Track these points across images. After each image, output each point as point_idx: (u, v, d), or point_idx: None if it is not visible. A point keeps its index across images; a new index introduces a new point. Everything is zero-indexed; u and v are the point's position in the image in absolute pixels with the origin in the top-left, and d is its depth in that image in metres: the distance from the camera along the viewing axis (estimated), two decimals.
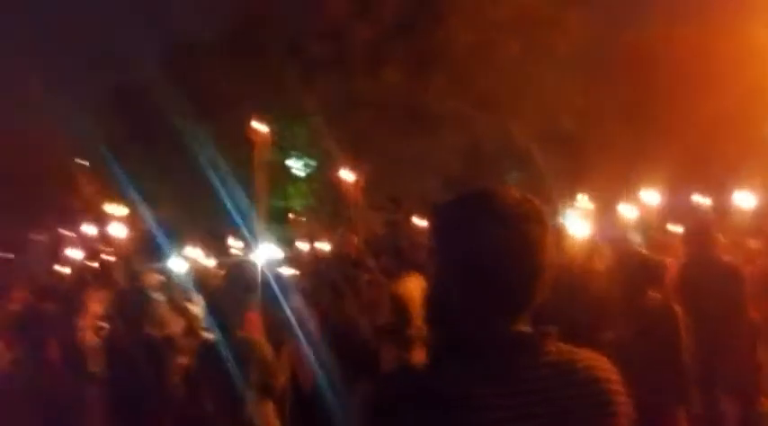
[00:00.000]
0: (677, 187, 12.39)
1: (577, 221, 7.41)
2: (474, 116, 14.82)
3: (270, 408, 3.99)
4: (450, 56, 15.03)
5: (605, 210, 11.08)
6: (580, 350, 1.38)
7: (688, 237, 5.63)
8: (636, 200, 11.25)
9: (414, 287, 3.27)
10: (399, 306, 3.33)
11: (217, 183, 14.44)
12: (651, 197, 11.27)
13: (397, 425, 1.30)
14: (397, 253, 7.22)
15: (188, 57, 19.64)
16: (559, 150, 15.61)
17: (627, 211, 10.58)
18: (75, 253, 13.84)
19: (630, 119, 15.87)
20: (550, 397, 1.31)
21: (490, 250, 1.31)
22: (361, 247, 8.28)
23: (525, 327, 1.34)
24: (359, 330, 4.25)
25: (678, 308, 4.04)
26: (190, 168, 14.85)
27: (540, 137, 15.02)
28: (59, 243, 13.37)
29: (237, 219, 12.33)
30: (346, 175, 10.91)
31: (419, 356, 2.96)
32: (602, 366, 1.38)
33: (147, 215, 17.65)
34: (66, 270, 9.96)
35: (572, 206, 10.51)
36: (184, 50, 20.07)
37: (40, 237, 17.76)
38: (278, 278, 5.27)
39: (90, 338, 5.27)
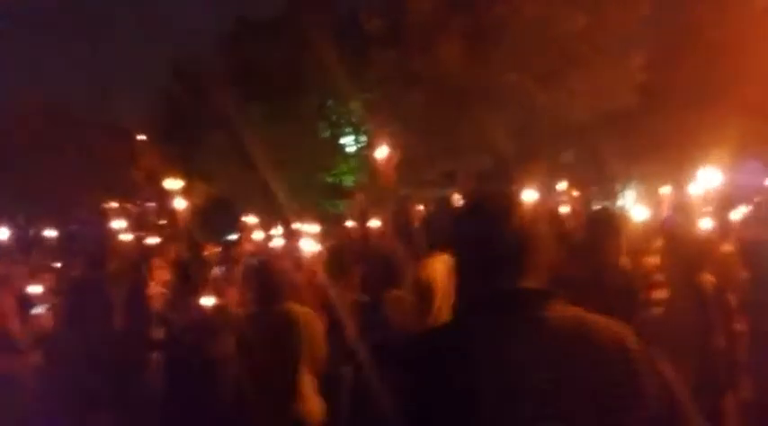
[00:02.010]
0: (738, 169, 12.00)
1: (632, 202, 7.32)
2: (532, 92, 14.52)
3: (310, 380, 4.03)
4: (511, 30, 14.73)
5: (659, 193, 10.84)
6: (593, 314, 1.58)
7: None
8: (695, 182, 10.95)
9: (439, 268, 3.30)
10: (422, 289, 3.37)
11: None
12: (712, 178, 10.93)
13: (420, 377, 1.60)
14: (427, 232, 7.18)
15: (247, 33, 19.84)
16: (617, 129, 15.26)
17: (685, 193, 10.29)
18: (137, 225, 14.24)
19: (693, 100, 15.39)
20: (554, 347, 1.51)
21: (474, 233, 1.70)
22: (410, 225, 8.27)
23: (531, 285, 1.63)
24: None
25: (731, 297, 3.98)
26: (249, 145, 15.04)
27: (598, 115, 14.68)
28: (125, 215, 13.82)
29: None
30: (396, 152, 10.93)
31: None
32: (617, 329, 1.56)
33: (204, 190, 18.06)
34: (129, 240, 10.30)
35: (627, 187, 10.36)
36: (243, 27, 20.28)
37: (109, 207, 18.34)
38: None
39: (154, 305, 5.48)
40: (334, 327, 4.41)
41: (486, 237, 1.66)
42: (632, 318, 3.66)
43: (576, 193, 13.31)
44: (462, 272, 1.72)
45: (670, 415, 1.47)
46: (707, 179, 10.75)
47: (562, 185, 12.89)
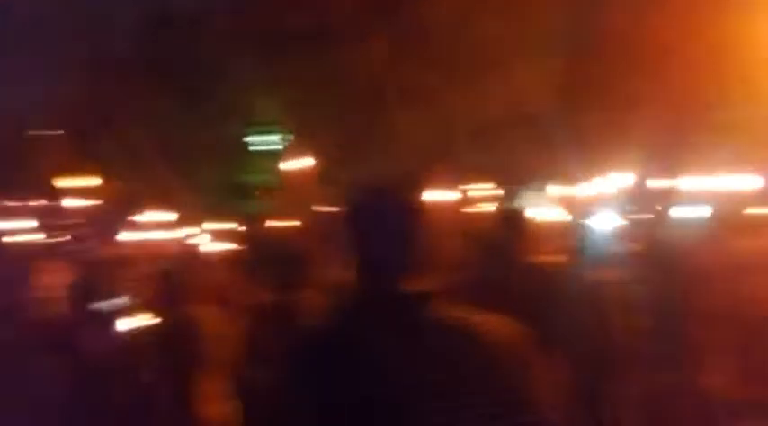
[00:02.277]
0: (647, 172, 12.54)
1: (542, 203, 7.54)
2: (448, 94, 14.75)
3: (218, 383, 3.95)
4: (430, 31, 14.91)
5: (571, 193, 11.21)
6: (486, 315, 1.55)
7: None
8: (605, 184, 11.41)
9: None
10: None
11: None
12: (621, 180, 11.42)
13: (304, 370, 1.58)
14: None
15: (166, 29, 19.33)
16: (534, 131, 15.67)
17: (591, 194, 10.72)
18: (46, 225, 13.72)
19: (604, 105, 15.91)
20: (437, 349, 1.47)
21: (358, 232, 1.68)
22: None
23: (414, 287, 1.57)
24: None
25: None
26: (161, 142, 14.68)
27: (511, 117, 15.04)
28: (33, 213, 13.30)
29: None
30: (311, 152, 10.89)
31: None
32: (507, 331, 1.53)
33: (118, 187, 17.50)
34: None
35: (539, 188, 10.66)
36: (162, 22, 19.74)
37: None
38: None
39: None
40: (248, 329, 4.35)
41: (365, 239, 1.64)
42: (541, 319, 3.76)
43: (489, 193, 13.60)
44: (356, 272, 1.69)
45: (562, 421, 1.43)
46: (615, 180, 11.26)
47: (477, 186, 13.15)
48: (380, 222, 1.64)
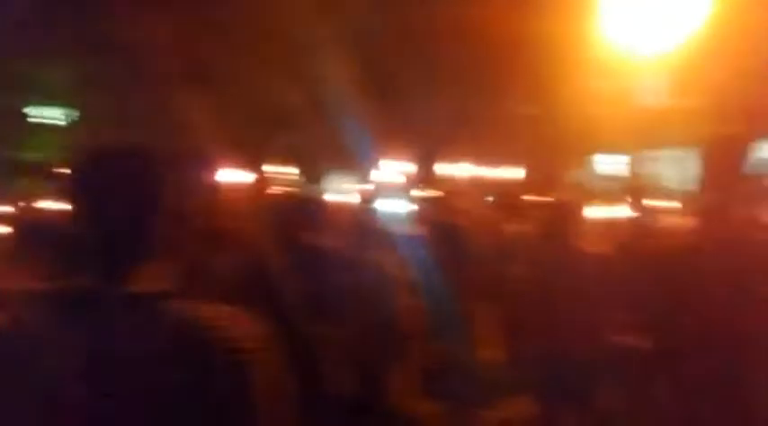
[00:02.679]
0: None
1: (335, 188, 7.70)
2: (242, 77, 14.54)
3: None
4: (221, 11, 14.54)
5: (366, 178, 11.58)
6: (211, 311, 1.35)
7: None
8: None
9: None
10: None
11: None
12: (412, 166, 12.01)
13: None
14: None
15: None
16: (325, 119, 15.88)
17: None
18: None
19: (399, 95, 16.42)
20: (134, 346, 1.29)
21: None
22: None
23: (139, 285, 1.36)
24: None
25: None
26: None
27: (306, 104, 15.20)
28: None
29: None
30: (97, 131, 10.23)
31: None
32: (224, 333, 1.32)
33: None
34: None
35: (333, 173, 10.89)
36: None
37: None
38: None
39: None
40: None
41: (89, 210, 1.40)
42: (319, 298, 3.85)
43: (285, 177, 13.64)
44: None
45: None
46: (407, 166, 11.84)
47: (272, 169, 13.12)
48: (109, 189, 1.38)
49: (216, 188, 5.71)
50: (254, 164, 11.53)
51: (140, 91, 14.48)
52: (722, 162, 2.53)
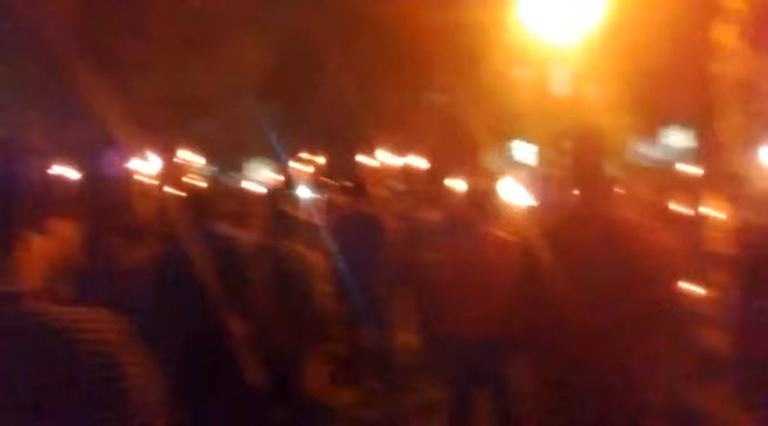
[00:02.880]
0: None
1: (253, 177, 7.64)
2: (152, 65, 14.14)
3: None
4: None
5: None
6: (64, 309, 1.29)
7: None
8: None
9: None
10: None
11: None
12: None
13: None
14: None
15: None
16: (239, 110, 15.70)
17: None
18: None
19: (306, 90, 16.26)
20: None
21: None
22: None
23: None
24: None
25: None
26: None
27: (222, 96, 14.99)
28: None
29: None
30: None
31: None
32: (78, 322, 1.27)
33: None
34: None
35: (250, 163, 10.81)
36: None
37: None
38: None
39: None
40: None
41: None
42: (234, 287, 3.84)
43: (197, 167, 13.40)
44: None
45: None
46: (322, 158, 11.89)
47: (185, 158, 12.84)
48: None
49: (127, 180, 5.58)
50: (165, 153, 11.27)
51: (44, 77, 13.87)
52: (583, 153, 2.76)
